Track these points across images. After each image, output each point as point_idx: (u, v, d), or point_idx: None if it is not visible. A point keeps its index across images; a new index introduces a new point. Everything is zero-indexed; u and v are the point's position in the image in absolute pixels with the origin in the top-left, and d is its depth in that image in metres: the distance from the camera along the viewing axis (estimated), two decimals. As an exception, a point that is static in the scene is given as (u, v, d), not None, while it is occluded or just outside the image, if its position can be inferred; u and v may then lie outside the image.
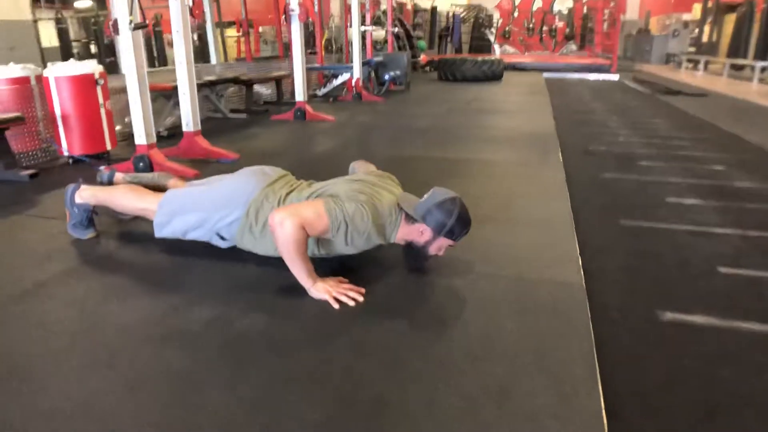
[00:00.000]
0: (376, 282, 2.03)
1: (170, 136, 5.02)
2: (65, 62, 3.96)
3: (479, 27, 19.97)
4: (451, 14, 19.51)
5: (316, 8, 9.28)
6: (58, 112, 3.88)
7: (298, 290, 1.92)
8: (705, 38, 16.93)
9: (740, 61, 13.24)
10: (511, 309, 1.85)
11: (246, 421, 1.31)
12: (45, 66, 3.95)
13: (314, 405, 1.37)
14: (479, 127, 5.86)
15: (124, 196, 2.37)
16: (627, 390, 1.60)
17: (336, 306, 1.84)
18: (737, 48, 14.06)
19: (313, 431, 1.28)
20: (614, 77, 13.37)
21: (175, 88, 4.25)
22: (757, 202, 3.41)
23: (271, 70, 7.83)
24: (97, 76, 3.96)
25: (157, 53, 11.77)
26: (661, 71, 14.84)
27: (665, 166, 4.35)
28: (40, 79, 3.94)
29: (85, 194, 2.41)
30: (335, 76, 8.46)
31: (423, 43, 15.55)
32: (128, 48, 3.51)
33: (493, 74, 11.49)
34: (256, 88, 7.41)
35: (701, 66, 14.38)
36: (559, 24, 19.38)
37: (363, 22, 8.81)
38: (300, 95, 6.19)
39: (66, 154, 4.00)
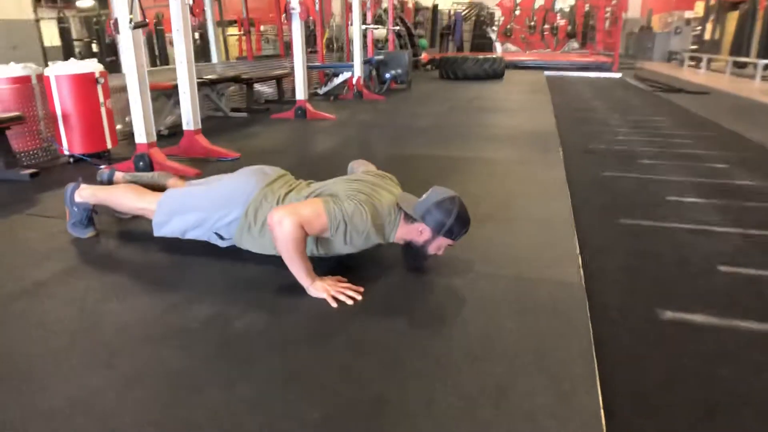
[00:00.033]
0: (375, 281, 2.03)
1: (171, 134, 5.04)
2: (66, 61, 3.97)
3: (481, 25, 19.98)
4: (452, 12, 19.53)
5: (317, 7, 9.28)
6: (58, 111, 3.89)
7: (297, 289, 1.92)
8: (707, 36, 16.90)
9: (743, 59, 13.20)
10: (510, 308, 1.85)
11: (245, 419, 1.31)
12: (47, 65, 3.96)
13: (313, 404, 1.37)
14: (480, 125, 5.86)
15: (123, 196, 2.38)
16: (626, 389, 1.60)
17: (334, 305, 1.85)
18: (740, 46, 14.03)
19: (312, 430, 1.28)
20: (616, 75, 13.35)
21: (176, 87, 4.25)
22: (757, 201, 3.40)
23: (272, 69, 7.84)
24: (97, 75, 3.97)
25: (158, 52, 11.80)
26: (663, 69, 14.80)
27: (666, 165, 4.34)
28: (40, 78, 3.95)
29: (85, 193, 2.42)
30: (336, 75, 8.46)
31: (424, 42, 15.56)
32: (128, 47, 3.52)
33: (495, 72, 11.48)
34: (257, 86, 7.42)
35: (703, 64, 14.33)
36: (561, 22, 19.34)
37: (364, 21, 8.81)
38: (301, 94, 6.20)
39: (66, 153, 4.01)
